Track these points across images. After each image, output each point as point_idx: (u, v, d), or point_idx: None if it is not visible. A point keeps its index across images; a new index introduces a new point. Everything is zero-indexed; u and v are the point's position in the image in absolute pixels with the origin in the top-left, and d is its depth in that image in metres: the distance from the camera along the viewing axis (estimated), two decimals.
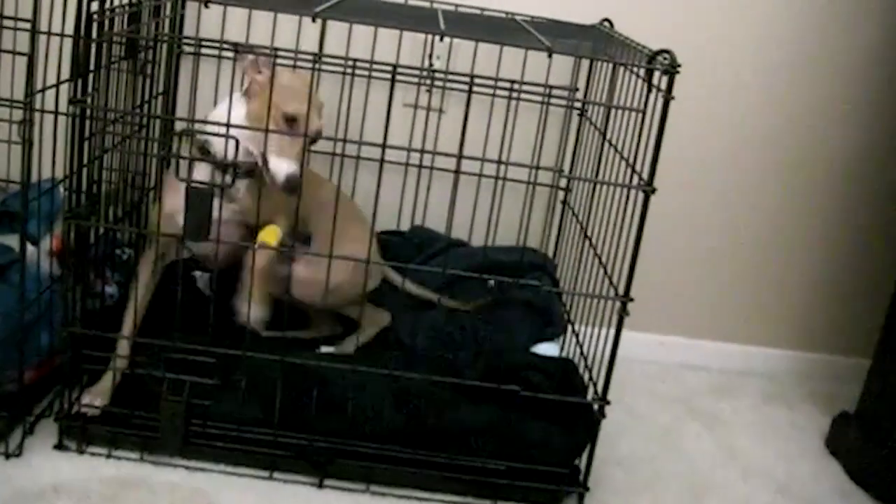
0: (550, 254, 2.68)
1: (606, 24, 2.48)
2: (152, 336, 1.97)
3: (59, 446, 1.95)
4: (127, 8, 2.05)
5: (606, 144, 2.15)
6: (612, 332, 1.95)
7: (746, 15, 2.61)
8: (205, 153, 1.94)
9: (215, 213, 1.91)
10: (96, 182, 1.96)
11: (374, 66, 2.38)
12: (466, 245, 2.59)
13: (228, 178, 1.90)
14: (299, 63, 2.31)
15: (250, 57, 1.91)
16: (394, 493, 1.98)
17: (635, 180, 1.92)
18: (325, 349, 2.22)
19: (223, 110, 1.93)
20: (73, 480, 1.86)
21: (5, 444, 1.90)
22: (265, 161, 1.89)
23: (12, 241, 2.02)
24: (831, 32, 2.64)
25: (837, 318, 2.90)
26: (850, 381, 2.62)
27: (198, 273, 2.29)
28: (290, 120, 1.88)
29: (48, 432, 1.97)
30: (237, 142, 1.87)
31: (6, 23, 1.80)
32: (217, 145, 1.93)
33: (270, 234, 1.99)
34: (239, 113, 1.93)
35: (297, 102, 1.88)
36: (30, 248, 1.97)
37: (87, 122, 1.87)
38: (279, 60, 1.89)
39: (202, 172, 1.93)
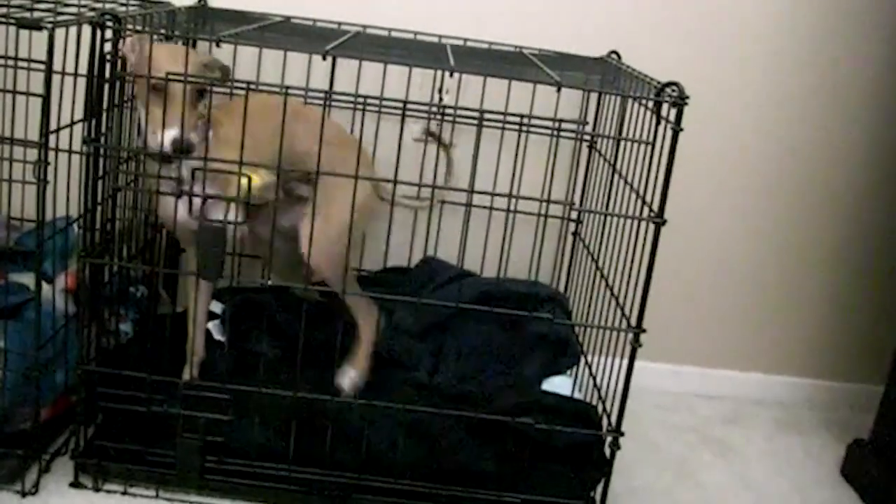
0: (562, 285, 2.68)
1: (614, 56, 2.50)
2: (167, 374, 1.97)
3: (75, 484, 1.95)
4: None
5: (616, 176, 2.16)
6: (625, 362, 1.95)
7: (754, 46, 2.63)
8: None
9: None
10: (110, 220, 1.98)
11: (384, 103, 2.40)
12: (478, 276, 2.59)
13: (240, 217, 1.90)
14: (309, 100, 2.33)
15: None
16: None
17: (646, 212, 1.93)
18: (347, 380, 2.15)
19: None
20: None
21: (21, 482, 1.91)
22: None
23: (27, 279, 2.04)
24: (841, 63, 2.65)
25: (850, 346, 2.89)
26: (864, 408, 2.61)
27: (211, 324, 2.28)
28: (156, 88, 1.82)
29: (64, 470, 1.97)
30: None
31: (21, 64, 1.82)
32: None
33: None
34: None
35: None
36: (45, 286, 1.98)
37: (101, 161, 1.89)
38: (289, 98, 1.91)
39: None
